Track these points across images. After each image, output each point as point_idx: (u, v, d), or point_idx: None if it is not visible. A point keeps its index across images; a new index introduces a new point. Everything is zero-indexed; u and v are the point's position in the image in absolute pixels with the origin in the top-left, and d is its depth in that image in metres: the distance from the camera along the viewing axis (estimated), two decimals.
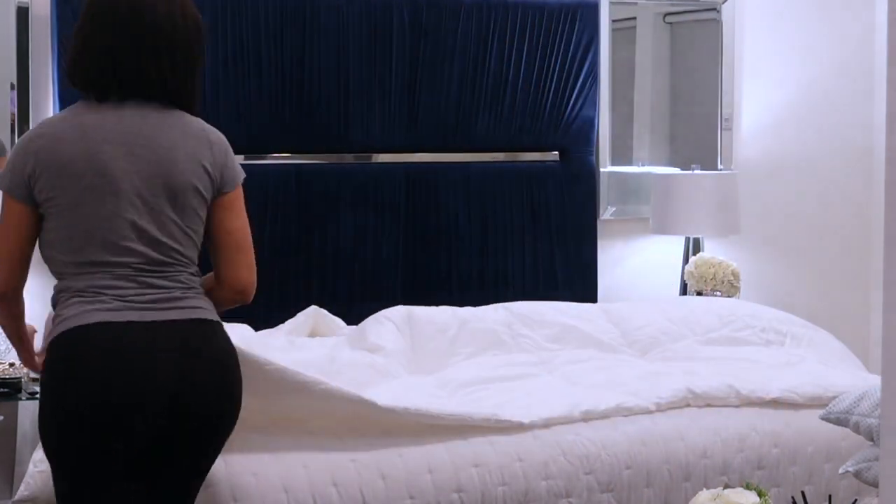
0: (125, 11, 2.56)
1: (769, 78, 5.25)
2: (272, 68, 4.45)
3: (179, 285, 2.58)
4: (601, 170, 5.02)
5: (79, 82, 2.61)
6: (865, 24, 5.30)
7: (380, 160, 4.64)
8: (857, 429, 2.89)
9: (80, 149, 2.54)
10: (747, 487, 2.82)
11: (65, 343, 2.50)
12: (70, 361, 2.49)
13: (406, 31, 4.58)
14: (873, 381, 3.30)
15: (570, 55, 4.78)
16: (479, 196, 4.73)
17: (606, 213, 5.05)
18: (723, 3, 5.18)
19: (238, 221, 2.66)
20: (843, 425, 2.93)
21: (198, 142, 2.63)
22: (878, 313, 5.15)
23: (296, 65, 4.47)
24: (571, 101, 4.80)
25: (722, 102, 5.20)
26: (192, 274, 2.62)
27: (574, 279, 4.83)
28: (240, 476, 2.99)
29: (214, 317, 2.61)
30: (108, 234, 2.53)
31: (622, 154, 5.14)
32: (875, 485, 2.78)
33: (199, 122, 2.68)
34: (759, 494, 2.76)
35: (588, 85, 4.82)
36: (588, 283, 4.86)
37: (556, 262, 4.80)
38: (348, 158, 4.62)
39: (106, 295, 2.51)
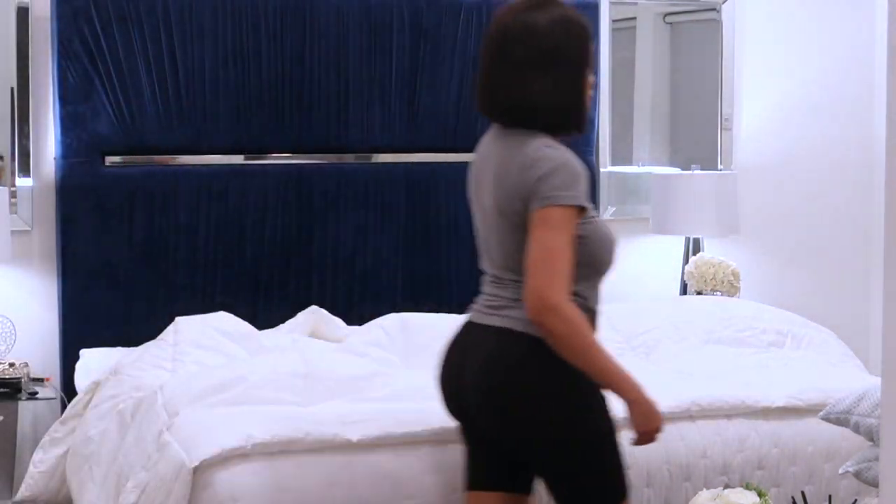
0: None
1: (769, 78, 5.25)
2: (272, 68, 4.45)
3: (509, 297, 2.78)
4: (601, 170, 5.02)
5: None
6: (865, 24, 5.30)
7: (380, 160, 4.64)
8: (857, 429, 2.89)
9: (473, 173, 2.93)
10: (747, 487, 2.82)
11: None
12: None
13: (406, 31, 4.58)
14: (874, 382, 3.30)
15: None
16: None
17: (606, 213, 5.05)
18: (723, 3, 5.18)
19: (533, 239, 2.66)
20: (843, 425, 2.93)
21: (517, 164, 2.74)
22: (878, 313, 5.14)
23: (296, 65, 4.47)
24: None
25: (722, 102, 5.20)
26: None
27: None
28: (240, 476, 2.99)
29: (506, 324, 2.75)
30: (481, 244, 2.91)
31: (622, 154, 5.14)
32: (875, 485, 2.79)
33: (529, 146, 2.75)
34: (759, 494, 2.77)
35: None
36: None
37: None
38: (348, 158, 4.62)
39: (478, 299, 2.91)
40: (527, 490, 2.85)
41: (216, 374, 3.51)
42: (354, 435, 3.13)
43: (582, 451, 2.70)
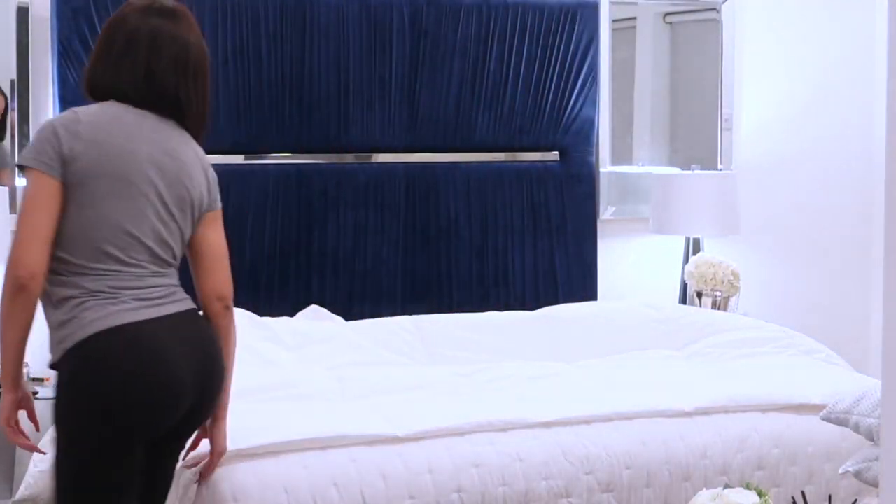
0: (163, 36, 2.76)
1: (769, 78, 5.25)
2: (272, 68, 4.45)
3: (174, 283, 2.75)
4: (601, 170, 5.02)
5: (107, 95, 2.72)
6: (865, 24, 5.29)
7: (380, 160, 4.64)
8: (857, 429, 2.89)
9: (119, 143, 2.64)
10: (747, 487, 2.82)
11: (103, 344, 2.56)
12: (112, 359, 2.56)
13: (406, 31, 4.58)
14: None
15: (570, 55, 4.78)
16: (479, 196, 4.72)
17: (606, 213, 5.05)
18: (723, 3, 5.18)
19: (219, 235, 2.82)
20: (843, 425, 2.93)
21: (202, 164, 2.81)
22: (879, 313, 5.15)
23: (296, 65, 4.47)
24: (571, 101, 4.80)
25: (722, 102, 5.20)
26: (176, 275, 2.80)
27: (574, 279, 4.83)
28: (240, 476, 2.99)
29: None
30: (132, 229, 2.63)
31: (622, 154, 5.14)
32: (875, 485, 2.79)
33: (197, 147, 2.83)
34: (759, 494, 2.77)
35: (588, 85, 4.82)
36: (588, 283, 4.86)
37: (556, 262, 4.80)
38: (348, 158, 4.62)
39: (125, 295, 2.62)
40: None
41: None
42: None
43: None
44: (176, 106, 2.74)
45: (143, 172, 2.66)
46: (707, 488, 2.99)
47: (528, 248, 4.79)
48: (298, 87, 4.48)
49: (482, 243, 4.73)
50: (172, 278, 2.73)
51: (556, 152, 4.83)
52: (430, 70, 4.62)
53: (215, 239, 2.81)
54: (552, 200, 4.80)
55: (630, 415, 3.45)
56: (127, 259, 2.63)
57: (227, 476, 2.98)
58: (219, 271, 2.80)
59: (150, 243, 2.67)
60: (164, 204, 2.69)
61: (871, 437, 2.85)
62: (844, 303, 5.32)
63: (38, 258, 2.56)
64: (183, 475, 2.99)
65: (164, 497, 2.81)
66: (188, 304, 2.74)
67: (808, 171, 5.30)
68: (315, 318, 4.25)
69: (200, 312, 2.79)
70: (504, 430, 3.30)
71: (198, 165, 2.77)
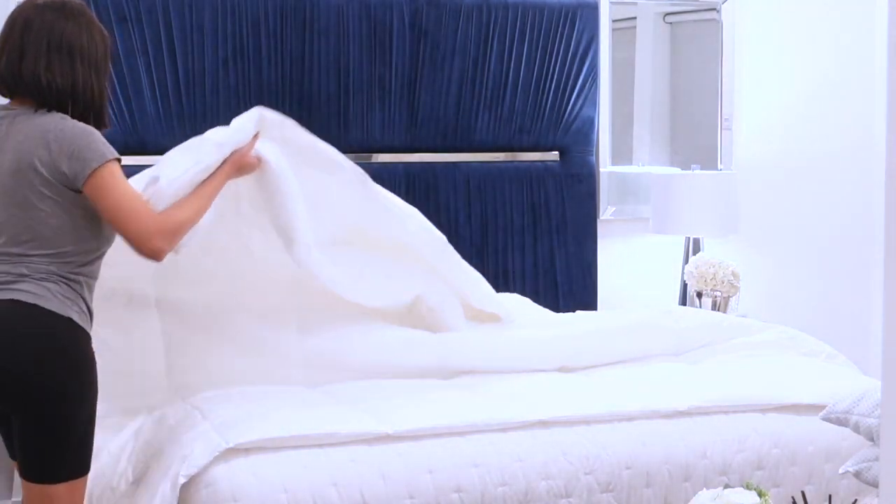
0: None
1: (769, 78, 5.25)
2: (272, 68, 4.45)
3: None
4: (601, 170, 5.02)
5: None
6: (865, 24, 5.29)
7: (380, 160, 4.64)
8: (857, 429, 2.89)
9: None
10: (747, 487, 2.82)
11: None
12: None
13: (406, 31, 4.58)
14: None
15: (570, 55, 4.78)
16: (479, 196, 4.73)
17: (606, 213, 5.05)
18: (723, 3, 5.18)
19: (105, 202, 2.85)
20: (843, 425, 2.93)
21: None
22: (879, 313, 5.14)
23: (296, 65, 4.47)
24: (571, 101, 4.80)
25: (722, 102, 5.20)
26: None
27: (574, 279, 4.83)
28: (240, 476, 2.99)
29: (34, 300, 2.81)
30: None
31: (622, 154, 5.14)
32: (875, 485, 2.79)
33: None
34: (759, 494, 2.76)
35: (588, 85, 4.82)
36: (588, 283, 4.86)
37: (556, 262, 4.80)
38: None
39: None
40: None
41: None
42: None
43: (72, 419, 2.82)
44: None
45: None
46: (707, 488, 2.99)
47: (528, 247, 4.79)
48: (298, 87, 4.48)
49: (482, 243, 4.73)
50: (19, 266, 2.81)
51: (556, 152, 4.84)
52: (430, 70, 4.62)
53: (102, 204, 2.88)
54: (552, 200, 4.81)
55: (630, 415, 3.45)
56: None
57: (227, 476, 2.98)
58: (122, 229, 2.88)
59: None
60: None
61: (871, 437, 2.85)
62: (844, 303, 5.32)
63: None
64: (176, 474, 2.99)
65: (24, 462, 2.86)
66: (6, 295, 2.79)
67: (808, 171, 5.31)
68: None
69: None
70: (504, 430, 3.30)
71: (39, 141, 2.85)
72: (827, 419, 2.98)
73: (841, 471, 2.91)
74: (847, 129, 5.33)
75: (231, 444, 3.04)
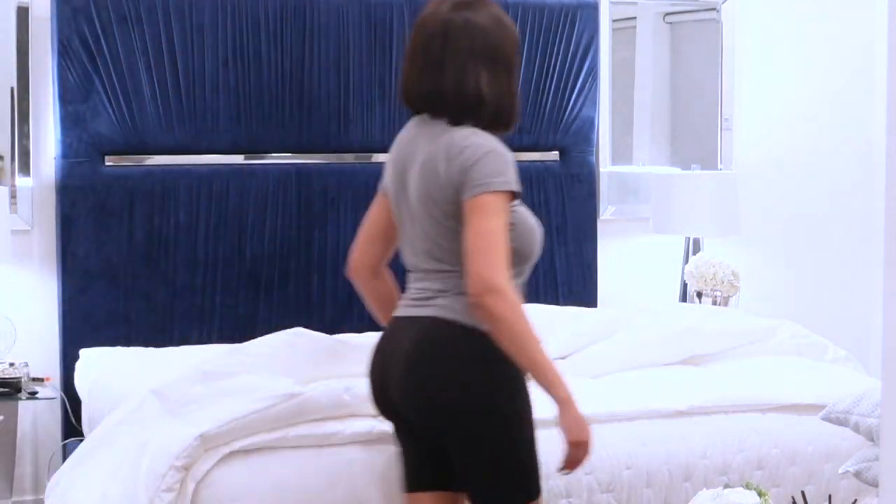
0: None
1: (769, 78, 5.25)
2: (272, 68, 4.45)
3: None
4: (601, 170, 5.02)
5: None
6: (865, 24, 5.29)
7: (380, 160, 4.62)
8: (857, 429, 2.89)
9: None
10: (747, 487, 2.82)
11: None
12: None
13: (406, 31, 4.58)
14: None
15: (570, 55, 4.78)
16: None
17: (606, 213, 5.05)
18: (723, 3, 5.18)
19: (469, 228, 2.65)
20: (843, 425, 2.93)
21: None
22: (879, 313, 5.14)
23: (296, 65, 4.47)
24: (571, 101, 4.80)
25: (722, 102, 5.20)
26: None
27: (574, 279, 4.83)
28: (239, 476, 2.99)
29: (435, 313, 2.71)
30: None
31: (622, 154, 5.14)
32: (875, 485, 2.79)
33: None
34: (759, 494, 2.77)
35: (588, 85, 4.82)
36: (588, 283, 4.86)
37: (556, 262, 4.80)
38: (348, 158, 4.62)
39: None
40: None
41: None
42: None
43: (501, 444, 2.68)
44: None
45: (400, 184, 2.81)
46: (707, 488, 2.99)
47: None
48: (298, 87, 4.48)
49: None
50: (437, 282, 2.73)
51: (556, 152, 4.83)
52: None
53: (467, 231, 2.66)
54: (552, 200, 4.80)
55: (630, 415, 3.45)
56: (407, 264, 2.85)
57: (227, 475, 2.98)
58: (471, 263, 2.62)
59: (411, 249, 2.81)
60: (411, 208, 2.78)
61: (871, 437, 2.85)
62: (844, 303, 5.32)
63: None
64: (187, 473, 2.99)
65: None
66: (426, 311, 2.71)
67: (808, 171, 5.30)
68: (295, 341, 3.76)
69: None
70: None
71: (438, 155, 2.70)
72: (827, 419, 2.98)
73: (841, 471, 2.91)
74: (847, 129, 5.33)
75: None
